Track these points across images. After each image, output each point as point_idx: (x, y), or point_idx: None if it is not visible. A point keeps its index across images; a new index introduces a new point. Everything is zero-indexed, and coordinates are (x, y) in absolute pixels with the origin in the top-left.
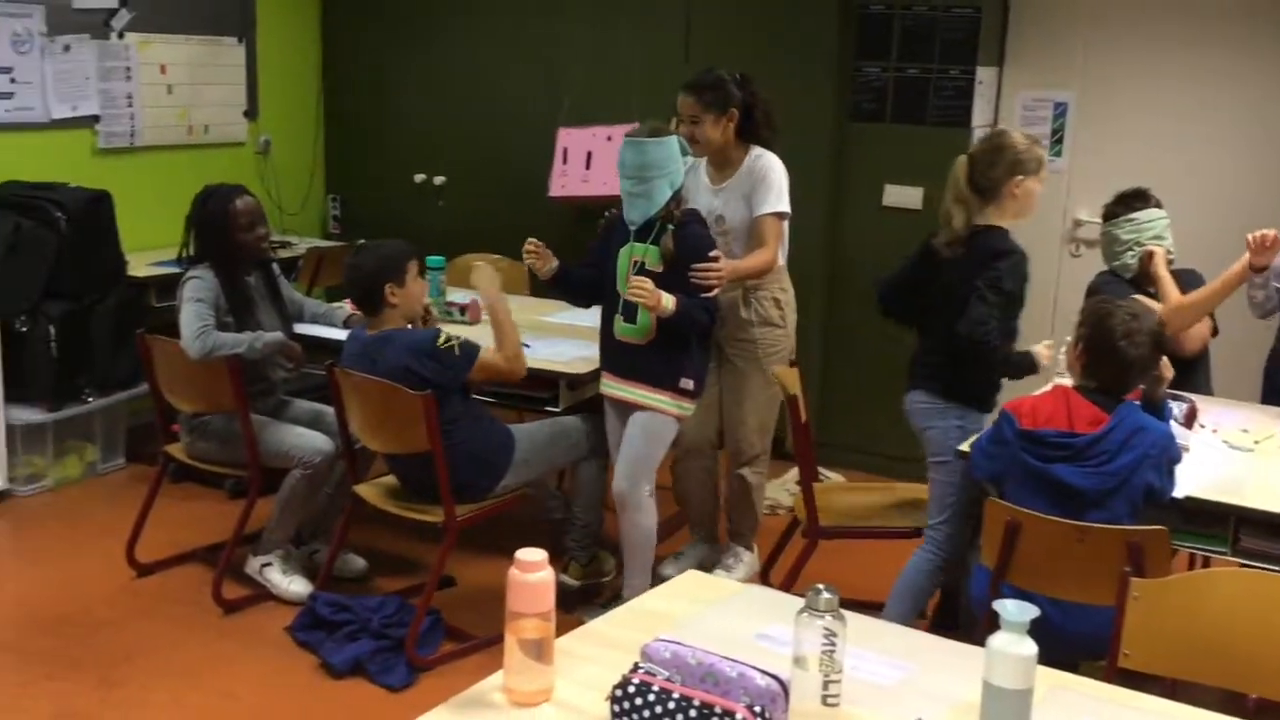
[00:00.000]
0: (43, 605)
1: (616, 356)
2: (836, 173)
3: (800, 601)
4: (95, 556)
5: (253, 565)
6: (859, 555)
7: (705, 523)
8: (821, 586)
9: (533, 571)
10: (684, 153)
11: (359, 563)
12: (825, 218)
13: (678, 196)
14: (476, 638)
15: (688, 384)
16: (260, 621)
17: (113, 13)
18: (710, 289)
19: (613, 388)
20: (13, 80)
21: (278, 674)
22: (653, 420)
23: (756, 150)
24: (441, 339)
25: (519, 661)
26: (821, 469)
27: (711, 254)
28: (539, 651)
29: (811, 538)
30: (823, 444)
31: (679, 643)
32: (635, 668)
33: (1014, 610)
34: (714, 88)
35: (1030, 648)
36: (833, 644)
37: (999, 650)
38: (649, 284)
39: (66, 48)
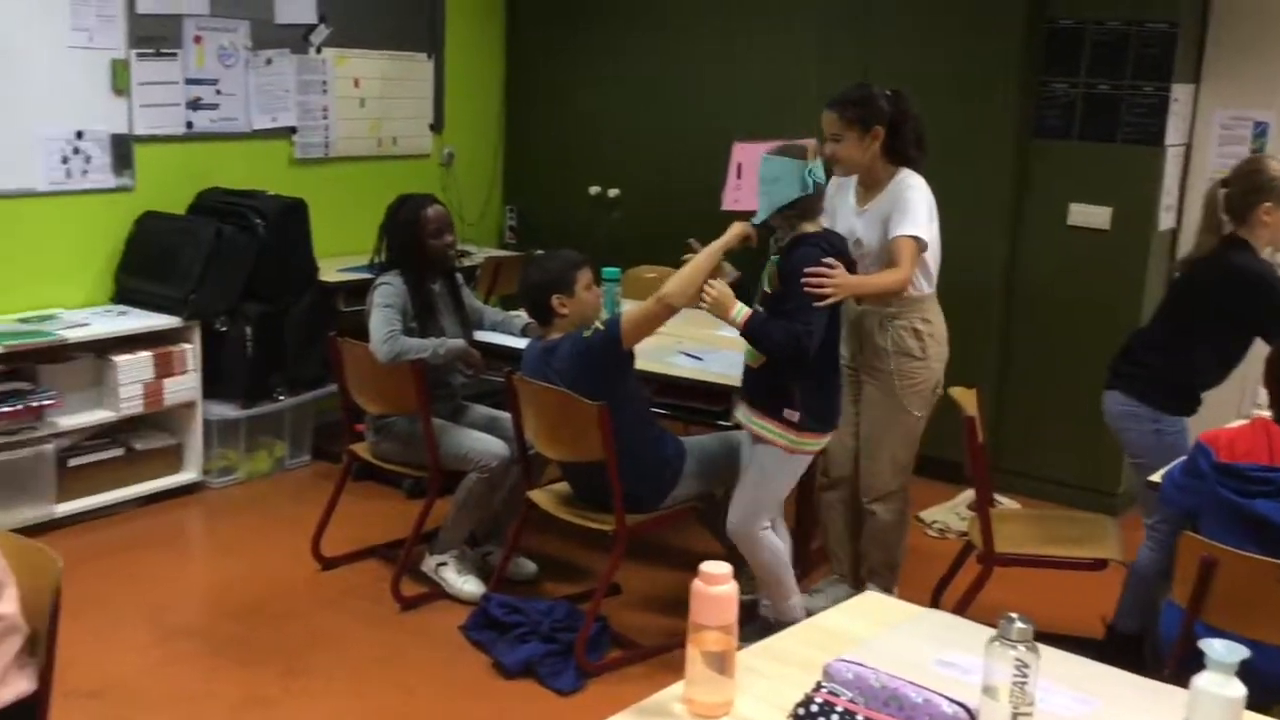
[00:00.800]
0: (232, 593)
1: (743, 379)
2: (1018, 190)
3: (979, 628)
4: (281, 548)
5: (429, 564)
6: (1032, 584)
7: (843, 559)
8: (1015, 616)
9: (717, 584)
10: (816, 174)
11: (530, 566)
12: (1005, 235)
13: (794, 215)
14: (643, 646)
15: (792, 415)
16: (435, 619)
17: (312, 28)
18: (822, 299)
19: (737, 412)
20: (218, 92)
21: (452, 671)
22: (765, 454)
23: (903, 172)
24: (586, 331)
25: (701, 673)
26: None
27: (825, 260)
28: (721, 664)
29: (987, 564)
30: (994, 468)
31: (861, 664)
32: (818, 687)
33: (1222, 650)
34: (857, 103)
35: (1238, 689)
36: (1025, 675)
37: (1205, 691)
38: (717, 288)
39: (268, 61)
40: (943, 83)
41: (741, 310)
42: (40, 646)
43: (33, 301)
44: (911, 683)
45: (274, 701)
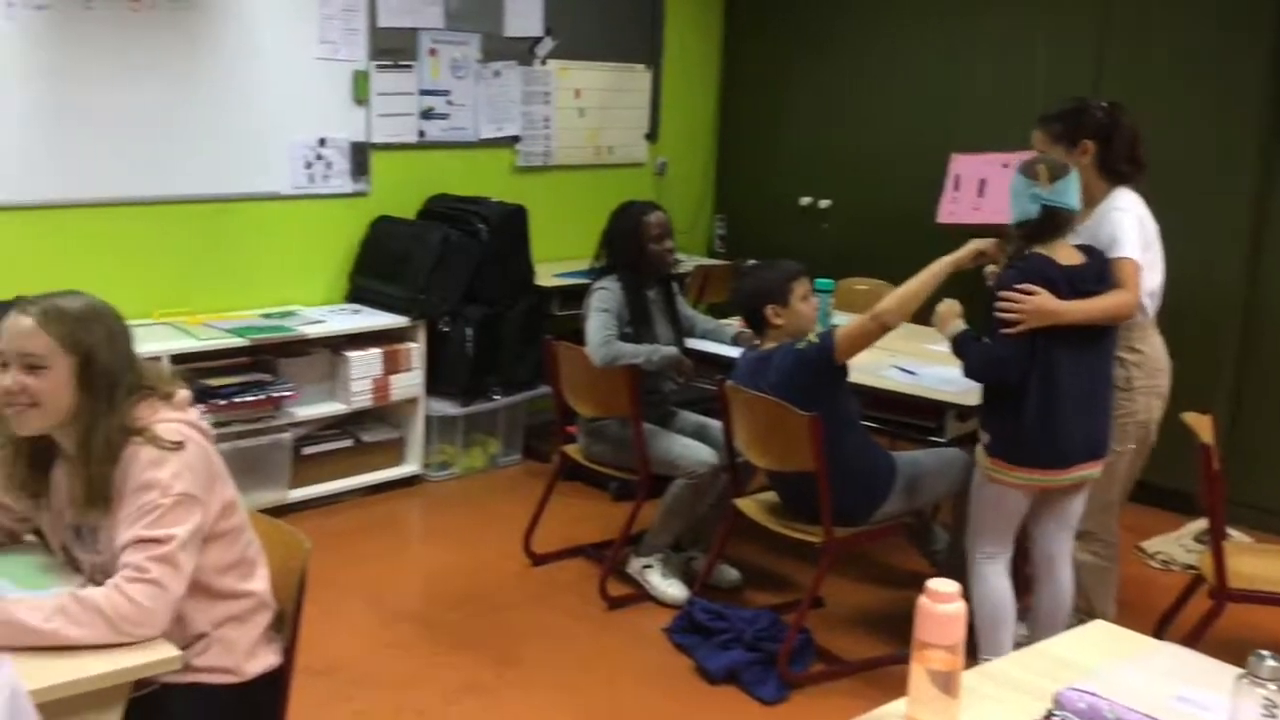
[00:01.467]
0: (449, 583)
1: None
2: (1260, 205)
3: (1219, 664)
4: (494, 543)
5: (634, 565)
6: (1265, 622)
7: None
8: (1266, 654)
9: (944, 602)
10: (1049, 197)
11: (733, 574)
12: (1245, 252)
13: (1022, 235)
14: (847, 661)
15: (983, 437)
16: (640, 619)
17: (538, 41)
18: (1011, 324)
19: None
20: (449, 102)
21: (656, 672)
22: (976, 476)
23: (1115, 192)
24: (800, 343)
25: (926, 691)
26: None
27: (1019, 286)
28: (946, 684)
29: (1219, 600)
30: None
31: (1094, 694)
32: (1049, 715)
33: None
34: (1063, 119)
35: None
36: (1274, 715)
37: None
38: (946, 301)
39: (496, 73)
40: (1179, 92)
41: (957, 327)
42: (285, 623)
43: (275, 298)
44: (1148, 715)
45: (488, 689)
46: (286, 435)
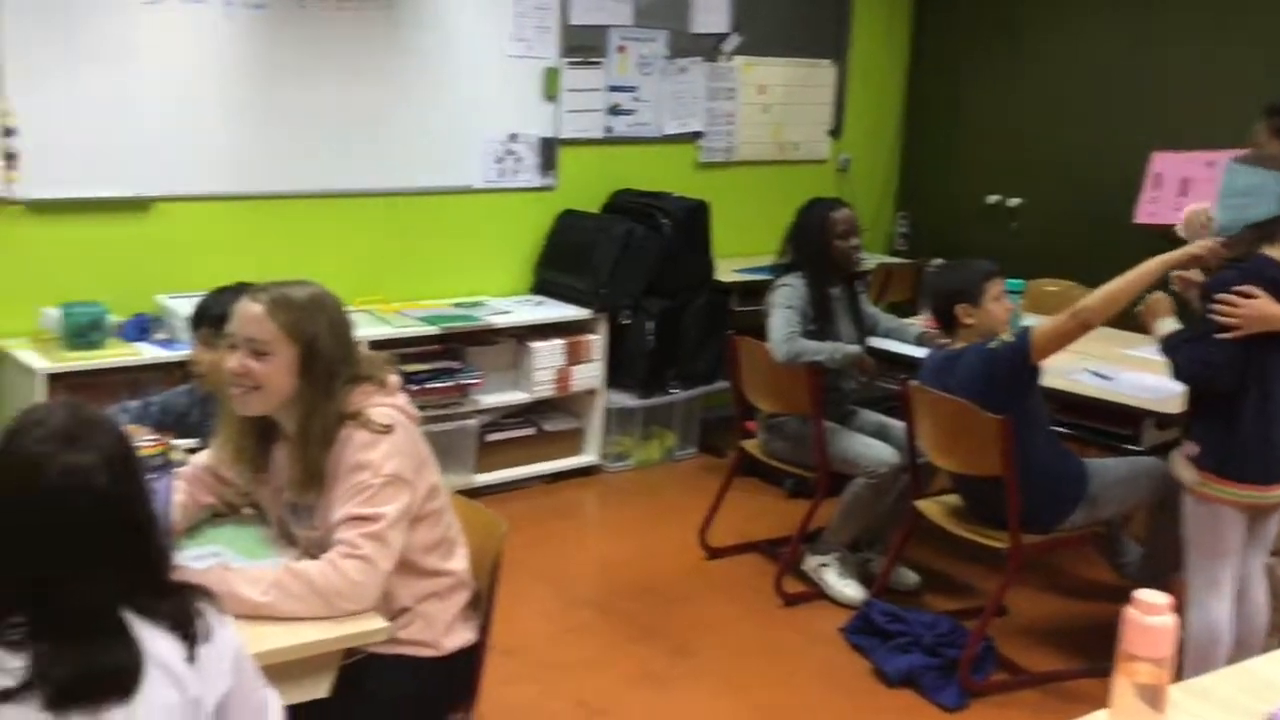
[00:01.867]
0: (626, 573)
1: None
2: None
3: None
4: (670, 535)
5: (810, 563)
6: None
7: None
8: None
9: (1154, 614)
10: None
11: (912, 577)
12: None
13: (1256, 235)
14: (1029, 672)
15: (1191, 449)
16: (815, 618)
17: (724, 37)
18: (1227, 328)
19: None
20: (635, 99)
21: (832, 670)
22: (1186, 499)
23: None
24: (992, 343)
25: (1131, 705)
26: None
27: (1239, 289)
28: (1153, 698)
29: None
30: None
31: None
32: None
33: None
34: None
35: None
36: None
37: None
38: (1156, 294)
39: (683, 70)
40: None
41: (1169, 325)
42: (481, 602)
43: (464, 288)
44: None
45: (664, 679)
46: (473, 422)
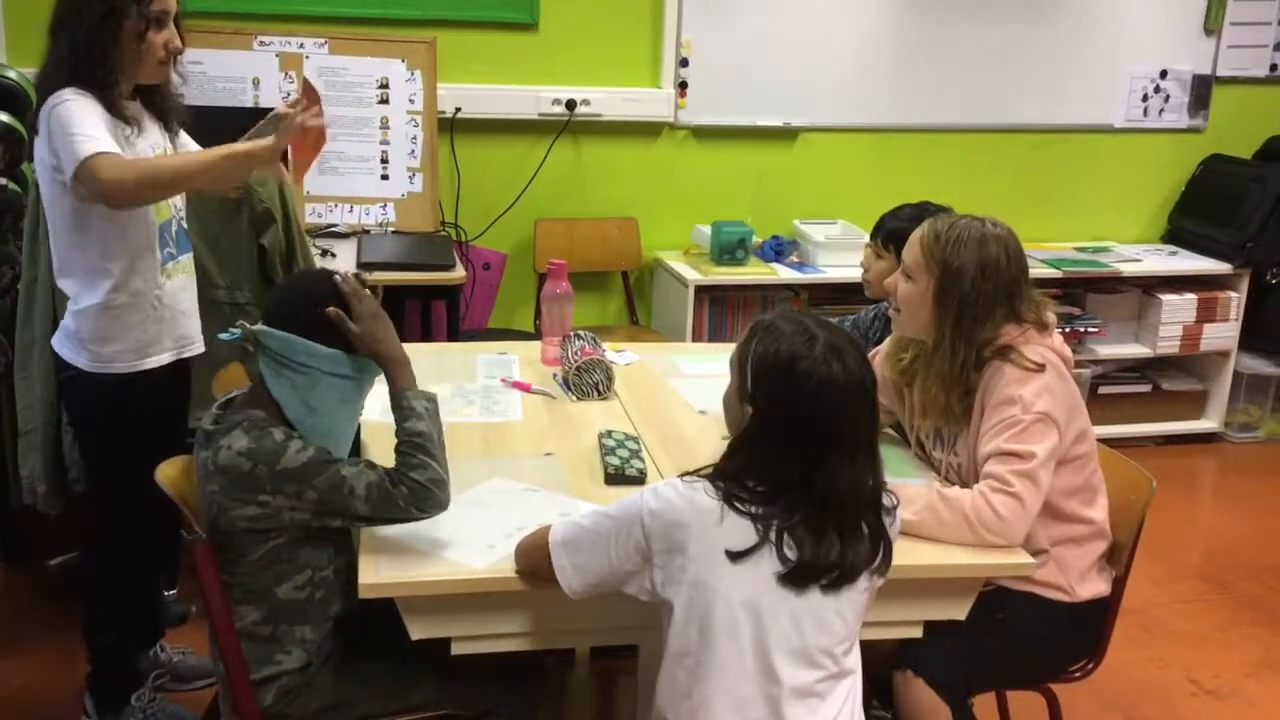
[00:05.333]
0: (1243, 551)
1: None
2: None
3: None
4: None
5: None
6: None
7: None
8: None
9: None
10: None
11: None
12: None
13: None
14: None
15: None
16: None
17: None
18: None
19: None
20: None
21: None
22: None
23: None
24: None
25: None
26: None
27: None
28: None
29: None
30: None
31: None
32: None
33: None
34: None
35: None
36: None
37: None
38: None
39: None
40: None
41: None
42: (1120, 556)
43: (1090, 232)
44: None
45: None
46: (1086, 371)
